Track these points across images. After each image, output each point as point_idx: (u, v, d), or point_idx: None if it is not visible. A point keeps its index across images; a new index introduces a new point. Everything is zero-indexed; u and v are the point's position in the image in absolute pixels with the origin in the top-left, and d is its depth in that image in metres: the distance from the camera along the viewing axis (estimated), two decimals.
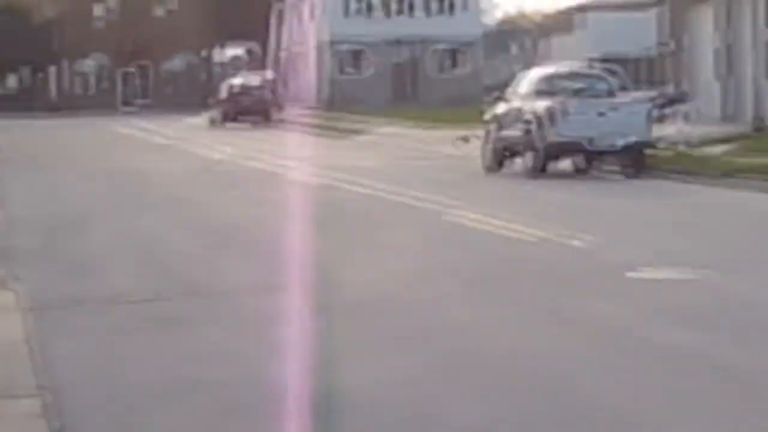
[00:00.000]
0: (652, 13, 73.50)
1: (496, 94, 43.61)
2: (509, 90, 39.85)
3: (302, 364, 12.38)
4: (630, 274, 17.49)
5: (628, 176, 34.65)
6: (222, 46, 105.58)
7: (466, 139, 45.66)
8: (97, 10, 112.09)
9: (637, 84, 63.43)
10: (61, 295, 16.93)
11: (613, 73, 41.80)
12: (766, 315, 14.85)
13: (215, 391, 11.31)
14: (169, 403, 11.15)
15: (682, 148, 39.20)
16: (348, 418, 10.44)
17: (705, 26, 61.70)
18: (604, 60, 63.53)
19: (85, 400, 11.24)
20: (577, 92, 36.82)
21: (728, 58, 58.84)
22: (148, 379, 12.06)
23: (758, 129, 45.29)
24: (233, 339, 13.77)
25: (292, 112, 79.69)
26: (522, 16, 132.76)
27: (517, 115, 36.56)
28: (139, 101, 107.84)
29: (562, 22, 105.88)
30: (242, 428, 10.15)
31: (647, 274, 17.53)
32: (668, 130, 39.83)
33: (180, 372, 12.35)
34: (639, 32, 77.66)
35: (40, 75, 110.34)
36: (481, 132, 41.18)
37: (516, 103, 37.24)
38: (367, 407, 10.85)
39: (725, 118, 55.09)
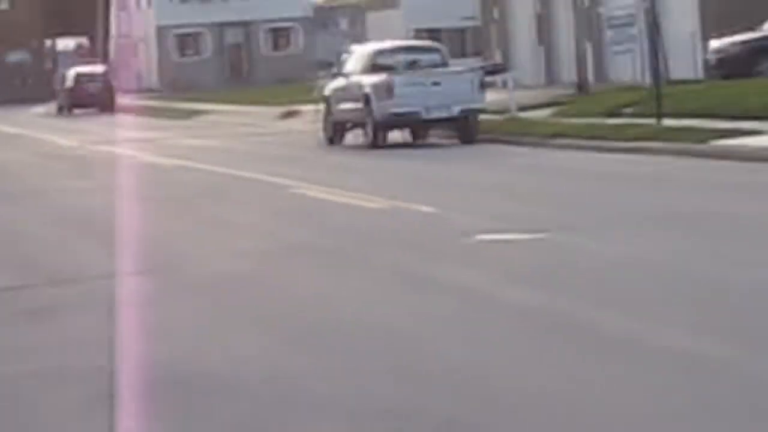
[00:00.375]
0: None
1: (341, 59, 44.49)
2: (345, 65, 40.18)
3: (164, 345, 12.36)
4: (478, 237, 17.65)
5: (463, 142, 35.04)
6: (60, 36, 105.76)
7: (293, 114, 45.45)
8: None
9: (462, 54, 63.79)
10: None
11: (437, 50, 41.96)
12: (605, 270, 15.07)
13: (85, 379, 11.16)
14: (40, 393, 10.99)
15: (511, 113, 39.55)
16: (208, 390, 10.49)
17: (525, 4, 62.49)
18: (428, 33, 64.17)
19: None
20: (411, 64, 37.19)
21: (548, 24, 59.54)
22: (19, 370, 11.87)
23: (581, 89, 45.78)
24: (97, 325, 13.58)
25: (134, 97, 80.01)
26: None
27: (355, 89, 36.76)
28: None
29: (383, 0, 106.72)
30: (109, 415, 10.00)
31: (490, 235, 17.64)
32: (498, 96, 40.17)
33: (50, 361, 12.18)
34: (459, 5, 78.19)
35: None
36: (310, 106, 41.69)
37: (354, 78, 37.46)
38: (228, 379, 10.88)
39: (547, 80, 55.69)
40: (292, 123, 49.04)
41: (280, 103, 61.72)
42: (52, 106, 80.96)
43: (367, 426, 9.37)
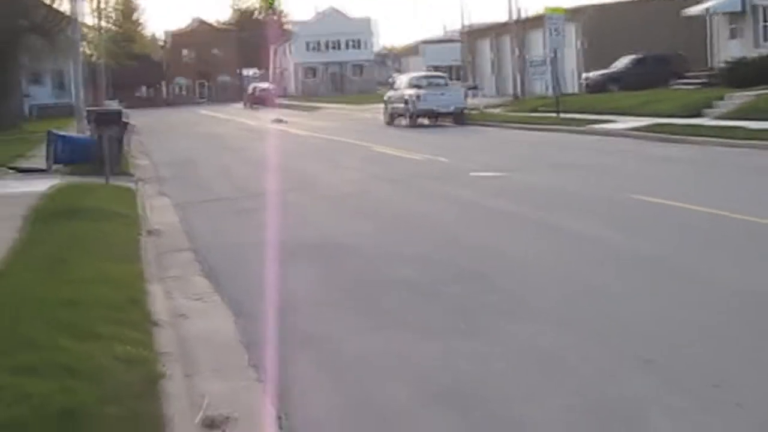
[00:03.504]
0: (458, 44, 72.94)
1: (390, 80, 44.20)
2: (395, 83, 39.99)
3: (312, 228, 12.44)
4: (471, 174, 17.54)
5: (456, 124, 34.63)
6: (246, 67, 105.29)
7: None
8: (184, 53, 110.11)
9: (453, 79, 63.04)
10: (189, 198, 16.72)
11: (443, 77, 41.47)
12: (541, 192, 14.94)
13: (288, 247, 11.24)
14: (257, 251, 11.11)
15: (481, 109, 39.22)
16: (349, 253, 10.60)
17: (485, 51, 61.63)
18: (436, 68, 63.57)
19: (214, 249, 11.29)
20: (429, 84, 36.75)
21: (497, 64, 58.85)
22: (245, 238, 12.07)
23: (516, 98, 45.38)
24: (286, 220, 13.59)
25: (283, 99, 79.48)
26: (392, 47, 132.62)
27: (401, 96, 36.50)
28: (207, 98, 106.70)
29: (413, 48, 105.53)
30: (296, 262, 10.08)
31: (481, 173, 17.57)
32: (474, 101, 39.76)
33: (260, 233, 12.26)
34: (453, 53, 77.26)
35: (157, 86, 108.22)
36: (374, 111, 41.38)
37: (400, 91, 37.18)
38: (356, 246, 11.00)
39: (498, 94, 55.06)
40: (367, 113, 48.55)
41: (360, 103, 61.37)
42: (241, 105, 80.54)
43: (427, 269, 9.53)
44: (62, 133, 23.83)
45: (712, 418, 5.08)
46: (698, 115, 26.89)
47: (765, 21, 35.37)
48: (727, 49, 37.10)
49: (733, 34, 37.53)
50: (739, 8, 36.44)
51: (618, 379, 5.79)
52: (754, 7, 35.80)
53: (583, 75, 44.43)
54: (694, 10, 39.01)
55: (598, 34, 46.36)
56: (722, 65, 35.75)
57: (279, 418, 5.44)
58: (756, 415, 5.10)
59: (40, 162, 22.61)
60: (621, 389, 5.60)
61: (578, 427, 5.09)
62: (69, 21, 36.12)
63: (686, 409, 5.22)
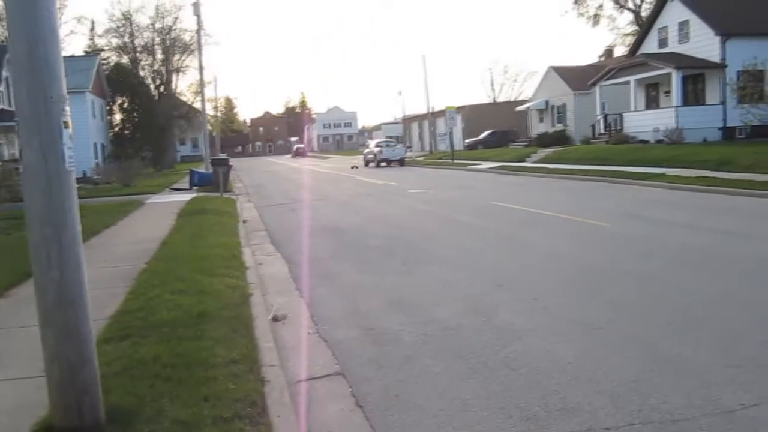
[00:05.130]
0: (400, 125, 72.27)
1: (366, 143, 43.56)
2: (368, 145, 39.39)
3: (327, 219, 12.21)
4: (409, 191, 17.27)
5: (401, 166, 34.05)
6: (291, 135, 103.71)
7: (356, 167, 43.82)
8: (260, 129, 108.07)
9: (399, 143, 62.18)
10: (263, 203, 16.34)
11: (394, 141, 40.97)
12: (445, 200, 14.65)
13: (314, 229, 11.07)
14: (298, 231, 10.93)
15: (413, 158, 38.83)
16: (346, 232, 10.33)
17: (415, 128, 61.16)
18: (390, 137, 62.91)
19: (276, 230, 11.00)
20: (386, 145, 36.12)
21: (421, 135, 58.49)
22: (292, 224, 11.80)
23: (430, 152, 44.99)
24: (313, 215, 13.38)
25: (310, 153, 78.47)
26: (368, 125, 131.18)
27: (372, 151, 36.00)
28: (272, 152, 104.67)
29: (378, 126, 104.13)
30: (318, 237, 9.91)
31: (414, 191, 17.30)
32: (409, 154, 39.35)
33: (300, 222, 12.04)
34: (398, 129, 76.54)
35: (245, 146, 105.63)
36: (357, 160, 40.94)
37: (371, 148, 36.63)
38: (350, 229, 10.71)
39: (421, 150, 54.68)
40: (353, 161, 47.91)
41: (351, 155, 60.69)
42: (289, 156, 79.22)
43: (387, 240, 9.35)
44: (196, 169, 23.56)
45: (532, 315, 5.15)
46: (523, 160, 27.05)
47: (556, 114, 35.94)
48: (538, 128, 37.62)
49: (540, 119, 38.01)
50: (543, 106, 37.10)
51: (485, 293, 5.85)
52: (551, 106, 36.44)
53: (466, 141, 44.44)
54: (521, 107, 39.64)
55: (472, 119, 46.49)
56: (535, 135, 36.32)
57: (311, 315, 5.43)
58: (553, 312, 5.17)
59: (185, 185, 22.32)
60: (486, 298, 5.66)
61: (465, 317, 5.14)
62: (199, 112, 35.90)
63: (519, 309, 5.30)
